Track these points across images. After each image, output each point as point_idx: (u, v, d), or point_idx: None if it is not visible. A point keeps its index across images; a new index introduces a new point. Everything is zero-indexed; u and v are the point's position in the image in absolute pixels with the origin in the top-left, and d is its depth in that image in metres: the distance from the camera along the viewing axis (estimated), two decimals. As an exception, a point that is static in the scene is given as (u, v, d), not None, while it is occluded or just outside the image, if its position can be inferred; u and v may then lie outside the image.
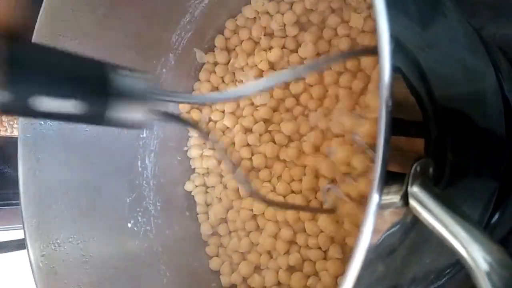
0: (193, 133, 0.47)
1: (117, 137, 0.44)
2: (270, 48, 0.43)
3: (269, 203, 0.37)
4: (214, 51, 0.47)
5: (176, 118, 0.23)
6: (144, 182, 0.45)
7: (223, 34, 0.46)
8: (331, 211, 0.36)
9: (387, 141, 0.18)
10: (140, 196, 0.45)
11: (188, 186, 0.47)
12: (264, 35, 0.43)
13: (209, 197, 0.46)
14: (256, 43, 0.44)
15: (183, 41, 0.45)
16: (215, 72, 0.46)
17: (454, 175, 0.24)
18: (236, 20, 0.45)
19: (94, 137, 0.42)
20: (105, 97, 0.18)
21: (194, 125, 0.25)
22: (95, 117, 0.18)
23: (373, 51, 0.33)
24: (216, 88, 0.46)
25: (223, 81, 0.46)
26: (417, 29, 0.23)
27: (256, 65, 0.43)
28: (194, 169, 0.47)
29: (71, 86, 0.17)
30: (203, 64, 0.47)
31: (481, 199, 0.29)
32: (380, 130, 0.18)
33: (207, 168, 0.46)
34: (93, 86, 0.18)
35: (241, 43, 0.45)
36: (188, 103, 0.44)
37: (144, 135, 0.46)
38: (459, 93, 0.26)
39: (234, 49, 0.46)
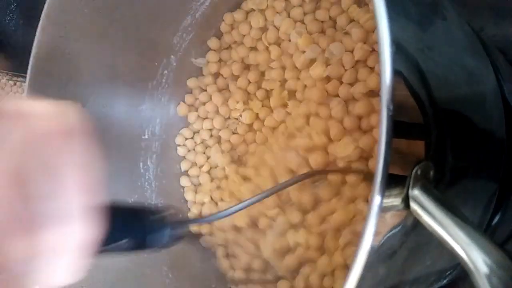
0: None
1: (119, 139, 0.44)
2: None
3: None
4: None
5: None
6: (146, 183, 0.45)
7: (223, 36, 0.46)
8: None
9: (388, 144, 0.18)
10: (142, 197, 0.45)
11: (183, 181, 0.47)
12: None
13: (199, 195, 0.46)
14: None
15: (184, 43, 0.46)
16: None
17: (454, 177, 0.24)
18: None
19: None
20: (145, 236, 0.25)
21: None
22: (139, 247, 0.25)
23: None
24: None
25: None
26: (417, 32, 0.23)
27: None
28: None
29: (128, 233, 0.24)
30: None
31: (482, 201, 0.29)
32: (381, 133, 0.18)
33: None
34: (139, 229, 0.25)
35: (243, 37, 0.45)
36: (200, 222, 0.45)
37: (146, 136, 0.46)
38: (459, 95, 0.26)
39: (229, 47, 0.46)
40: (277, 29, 0.42)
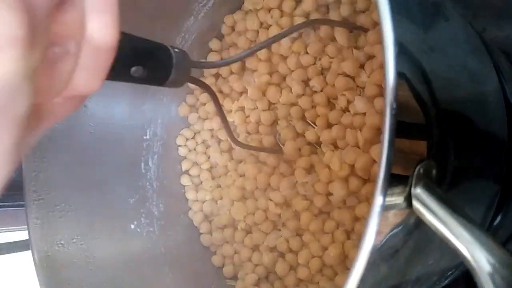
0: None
1: (120, 139, 0.44)
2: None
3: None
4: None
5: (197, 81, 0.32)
6: (147, 183, 0.45)
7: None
8: None
9: (391, 143, 0.18)
10: (143, 197, 0.45)
11: (184, 180, 0.47)
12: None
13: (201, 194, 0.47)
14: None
15: (186, 44, 0.46)
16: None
17: (456, 177, 0.24)
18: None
19: (98, 138, 0.42)
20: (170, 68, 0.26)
21: (207, 87, 0.34)
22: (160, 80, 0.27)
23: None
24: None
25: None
26: (420, 33, 0.23)
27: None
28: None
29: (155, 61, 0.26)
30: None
31: (484, 201, 0.29)
32: (385, 132, 0.18)
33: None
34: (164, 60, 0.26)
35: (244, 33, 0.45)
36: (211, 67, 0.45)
37: (148, 137, 0.46)
38: (461, 96, 0.26)
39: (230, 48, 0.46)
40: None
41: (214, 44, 0.46)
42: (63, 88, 0.17)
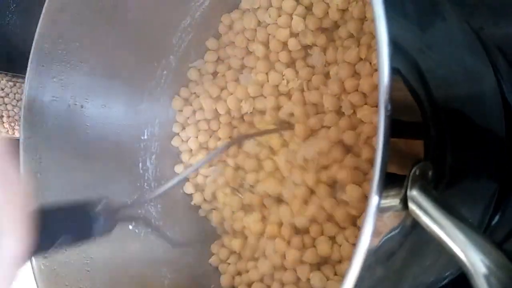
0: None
1: (118, 139, 0.44)
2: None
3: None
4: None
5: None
6: (145, 184, 0.45)
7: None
8: None
9: (386, 144, 0.18)
10: (141, 198, 0.45)
11: (188, 189, 0.47)
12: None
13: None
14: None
15: (183, 43, 0.45)
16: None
17: (453, 177, 0.24)
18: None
19: (96, 139, 0.42)
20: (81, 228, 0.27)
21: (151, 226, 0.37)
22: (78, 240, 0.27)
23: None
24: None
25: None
26: (416, 31, 0.23)
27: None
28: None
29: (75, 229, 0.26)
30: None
31: (481, 200, 0.29)
32: (379, 133, 0.18)
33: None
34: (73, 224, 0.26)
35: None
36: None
37: (145, 137, 0.46)
38: (458, 94, 0.26)
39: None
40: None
41: (211, 43, 0.46)
42: None
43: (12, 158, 0.21)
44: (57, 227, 0.24)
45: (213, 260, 0.44)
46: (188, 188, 0.46)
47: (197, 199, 0.46)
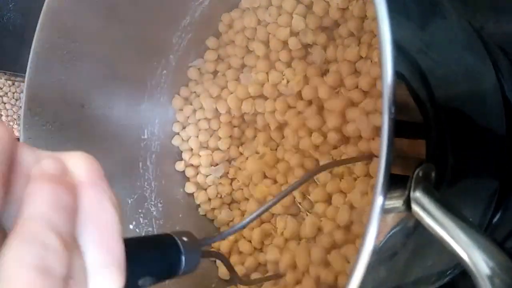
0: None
1: (118, 138, 0.44)
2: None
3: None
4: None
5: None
6: (146, 183, 0.45)
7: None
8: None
9: (390, 146, 0.18)
10: (142, 197, 0.45)
11: (189, 188, 0.47)
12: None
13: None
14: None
15: (183, 43, 0.45)
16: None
17: (455, 176, 0.24)
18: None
19: (96, 139, 0.42)
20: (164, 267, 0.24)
21: (218, 255, 0.33)
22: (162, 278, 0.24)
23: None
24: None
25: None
26: (417, 31, 0.23)
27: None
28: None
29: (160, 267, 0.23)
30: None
31: (483, 199, 0.29)
32: (383, 135, 0.18)
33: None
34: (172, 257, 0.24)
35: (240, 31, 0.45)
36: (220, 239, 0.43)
37: (146, 136, 0.46)
38: (459, 94, 0.26)
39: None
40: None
41: (211, 42, 0.46)
42: None
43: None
44: (138, 265, 0.21)
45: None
46: (189, 188, 0.47)
47: (201, 198, 0.46)
